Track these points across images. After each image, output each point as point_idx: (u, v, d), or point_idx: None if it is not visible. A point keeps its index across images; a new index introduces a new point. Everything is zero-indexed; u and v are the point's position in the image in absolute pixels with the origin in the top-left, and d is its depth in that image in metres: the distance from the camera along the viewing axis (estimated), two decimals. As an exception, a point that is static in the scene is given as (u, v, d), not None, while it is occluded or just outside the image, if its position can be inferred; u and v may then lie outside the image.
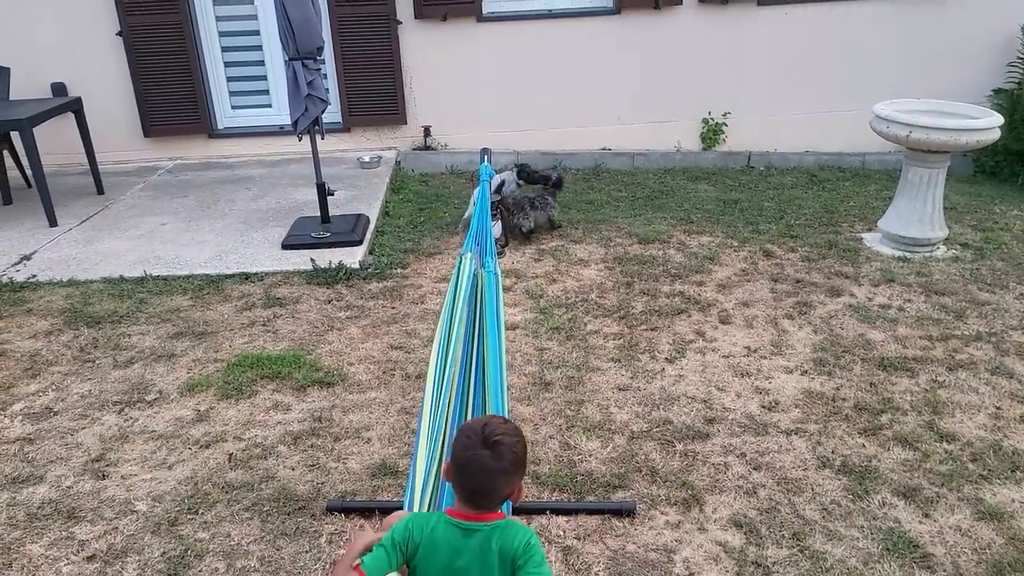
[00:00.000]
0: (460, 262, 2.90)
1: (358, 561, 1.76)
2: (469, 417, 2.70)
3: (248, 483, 3.11)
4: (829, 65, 7.61)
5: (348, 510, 2.94)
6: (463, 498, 1.82)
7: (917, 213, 5.30)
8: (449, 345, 2.62)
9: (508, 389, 3.64)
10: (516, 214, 5.57)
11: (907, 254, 5.33)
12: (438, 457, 2.37)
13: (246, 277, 4.97)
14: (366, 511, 2.95)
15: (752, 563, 2.72)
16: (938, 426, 3.47)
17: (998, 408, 3.61)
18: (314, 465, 3.23)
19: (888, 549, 2.77)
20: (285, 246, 5.32)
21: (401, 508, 2.25)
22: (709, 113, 7.73)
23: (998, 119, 5.11)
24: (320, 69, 5.09)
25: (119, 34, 6.96)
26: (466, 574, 1.78)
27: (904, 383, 3.82)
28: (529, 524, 2.85)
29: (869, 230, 5.81)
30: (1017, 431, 3.44)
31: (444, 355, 2.61)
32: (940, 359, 4.03)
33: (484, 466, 1.77)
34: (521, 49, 7.40)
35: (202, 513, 2.96)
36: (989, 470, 3.18)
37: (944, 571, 2.68)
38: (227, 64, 7.37)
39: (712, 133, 7.77)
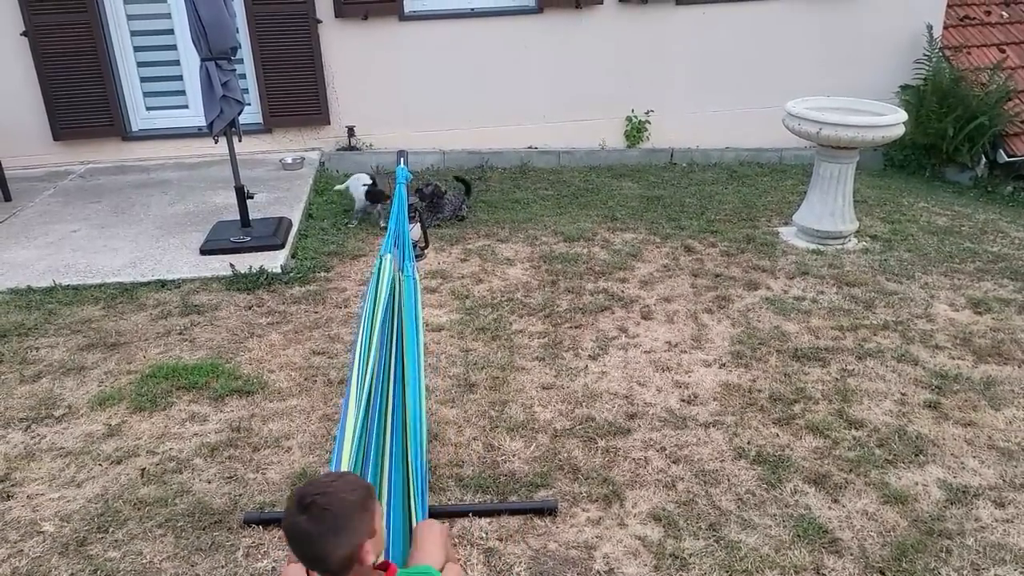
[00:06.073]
0: (380, 263, 2.88)
1: None
2: (389, 424, 2.69)
3: (161, 498, 3.03)
4: (746, 64, 7.80)
5: (266, 522, 2.89)
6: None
7: (829, 207, 5.48)
8: (370, 350, 2.60)
9: (429, 393, 3.66)
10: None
11: (820, 247, 5.51)
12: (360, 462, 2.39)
13: (162, 284, 4.83)
14: (285, 522, 2.90)
15: (670, 555, 2.77)
16: (847, 414, 3.59)
17: (903, 394, 3.76)
18: (231, 477, 3.16)
19: (799, 535, 2.86)
20: (203, 251, 5.18)
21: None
22: (632, 111, 7.83)
23: (902, 116, 5.31)
24: (235, 70, 4.97)
25: (24, 34, 6.68)
26: None
27: (816, 373, 3.94)
28: (452, 527, 2.85)
29: (785, 224, 5.98)
30: (921, 416, 3.59)
31: (366, 360, 2.59)
32: (850, 348, 4.17)
33: (302, 532, 1.68)
34: (443, 48, 7.37)
35: (112, 532, 2.87)
36: (894, 455, 3.31)
37: (851, 555, 2.78)
38: (140, 64, 7.13)
39: (636, 131, 7.88)
